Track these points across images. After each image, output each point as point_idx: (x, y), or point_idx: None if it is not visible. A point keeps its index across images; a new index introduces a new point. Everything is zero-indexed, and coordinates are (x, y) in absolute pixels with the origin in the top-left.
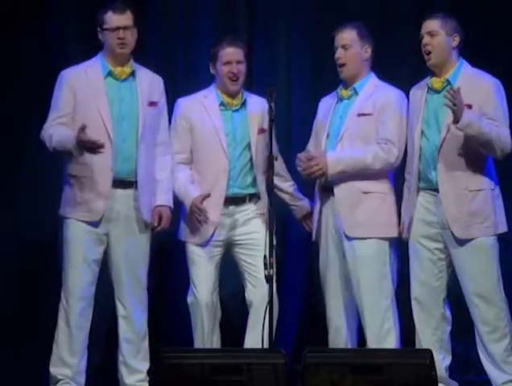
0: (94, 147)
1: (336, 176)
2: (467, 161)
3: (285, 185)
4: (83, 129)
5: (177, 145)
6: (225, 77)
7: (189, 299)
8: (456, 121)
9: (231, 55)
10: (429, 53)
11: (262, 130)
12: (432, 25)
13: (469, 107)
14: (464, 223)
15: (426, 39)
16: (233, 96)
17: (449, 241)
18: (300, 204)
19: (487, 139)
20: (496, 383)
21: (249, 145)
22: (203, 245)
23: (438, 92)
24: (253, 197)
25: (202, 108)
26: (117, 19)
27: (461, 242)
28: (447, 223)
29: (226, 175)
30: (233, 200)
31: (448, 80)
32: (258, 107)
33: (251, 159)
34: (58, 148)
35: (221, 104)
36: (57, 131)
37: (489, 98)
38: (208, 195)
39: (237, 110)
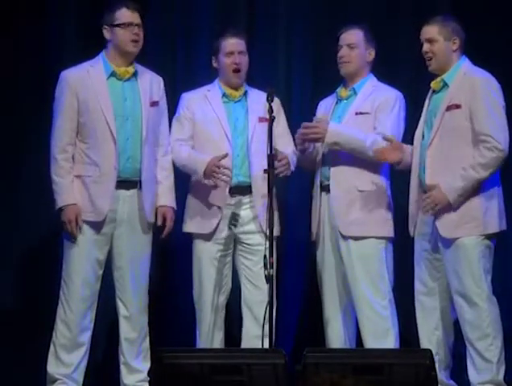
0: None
1: (331, 146)
2: (454, 162)
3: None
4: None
5: (179, 132)
6: (227, 69)
7: (194, 296)
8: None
9: (233, 46)
10: (430, 59)
11: (262, 119)
12: (430, 31)
13: (457, 107)
14: (450, 223)
15: (425, 47)
16: (235, 88)
17: (439, 240)
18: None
19: (477, 183)
20: (472, 384)
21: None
22: (208, 240)
23: (437, 92)
24: None
25: (205, 100)
26: (132, 16)
27: (447, 241)
28: (434, 223)
29: (230, 163)
30: (238, 189)
31: (443, 80)
32: (258, 98)
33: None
34: (53, 184)
35: (224, 95)
36: (60, 180)
37: (476, 96)
38: (225, 155)
39: (238, 101)
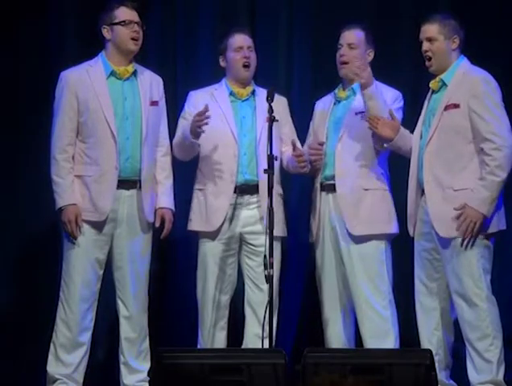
0: None
1: (367, 97)
2: (452, 160)
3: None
4: None
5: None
6: (237, 64)
7: (197, 294)
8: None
9: (242, 41)
10: (430, 59)
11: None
12: (430, 30)
13: (456, 106)
14: (448, 223)
15: (425, 45)
16: (244, 85)
17: (437, 240)
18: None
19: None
20: (472, 384)
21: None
22: (213, 239)
23: (436, 92)
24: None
25: (212, 98)
26: (131, 14)
27: (445, 241)
28: (432, 223)
29: (236, 161)
30: (245, 188)
31: (442, 80)
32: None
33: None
34: (53, 185)
35: (231, 94)
36: (61, 180)
37: (476, 95)
38: (206, 108)
39: (246, 100)
